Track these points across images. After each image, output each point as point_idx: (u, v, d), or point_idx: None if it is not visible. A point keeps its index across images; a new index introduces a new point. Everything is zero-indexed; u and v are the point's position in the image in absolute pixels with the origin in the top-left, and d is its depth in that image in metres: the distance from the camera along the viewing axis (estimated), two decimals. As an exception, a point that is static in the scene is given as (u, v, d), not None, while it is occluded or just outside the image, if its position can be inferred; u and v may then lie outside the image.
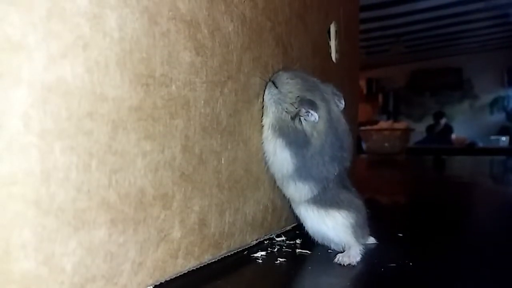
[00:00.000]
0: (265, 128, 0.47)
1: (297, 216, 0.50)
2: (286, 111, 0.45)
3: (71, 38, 0.25)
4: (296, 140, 0.44)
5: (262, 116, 0.48)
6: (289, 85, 0.46)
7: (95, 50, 0.27)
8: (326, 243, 0.48)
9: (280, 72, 0.48)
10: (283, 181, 0.46)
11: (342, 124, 0.47)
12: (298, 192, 0.46)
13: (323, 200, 0.46)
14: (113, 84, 0.28)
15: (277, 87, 0.46)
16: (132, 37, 0.30)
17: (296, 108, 0.44)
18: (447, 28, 4.00)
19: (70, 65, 0.25)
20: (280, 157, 0.45)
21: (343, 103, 0.48)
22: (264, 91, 0.47)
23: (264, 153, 0.47)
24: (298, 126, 0.44)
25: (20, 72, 0.23)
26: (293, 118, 0.44)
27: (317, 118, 0.43)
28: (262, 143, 0.47)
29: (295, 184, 0.45)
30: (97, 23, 0.27)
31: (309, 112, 0.43)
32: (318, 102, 0.44)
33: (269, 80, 0.48)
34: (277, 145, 0.45)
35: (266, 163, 0.47)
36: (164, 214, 0.34)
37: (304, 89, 0.45)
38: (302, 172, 0.44)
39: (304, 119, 0.44)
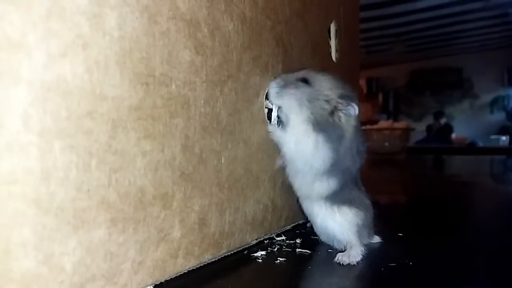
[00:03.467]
0: (299, 124, 0.45)
1: (306, 213, 0.51)
2: (321, 108, 0.45)
3: (71, 37, 0.25)
4: (334, 134, 0.45)
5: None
6: (326, 84, 0.47)
7: (94, 49, 0.27)
8: (329, 242, 0.49)
9: (307, 71, 0.48)
10: (315, 177, 0.46)
11: (359, 123, 0.49)
12: (326, 186, 0.46)
13: (338, 197, 0.47)
14: (113, 83, 0.28)
15: (309, 85, 0.46)
16: (132, 36, 0.30)
17: (333, 105, 0.45)
18: (447, 27, 3.99)
19: (69, 64, 0.25)
20: (321, 152, 0.45)
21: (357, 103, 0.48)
22: (283, 90, 0.47)
23: (292, 150, 0.46)
24: (336, 120, 0.45)
25: (19, 71, 0.23)
26: (330, 114, 0.45)
27: (356, 110, 0.45)
28: (293, 139, 0.46)
29: (327, 179, 0.46)
30: (96, 22, 0.27)
31: (349, 105, 0.45)
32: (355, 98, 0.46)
33: (295, 79, 0.48)
34: (319, 140, 0.45)
35: (299, 158, 0.46)
36: (164, 214, 0.34)
37: (339, 87, 0.47)
38: (335, 166, 0.45)
39: (343, 112, 0.45)
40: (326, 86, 0.46)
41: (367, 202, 0.49)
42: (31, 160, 0.24)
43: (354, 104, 0.45)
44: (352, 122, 0.46)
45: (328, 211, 0.47)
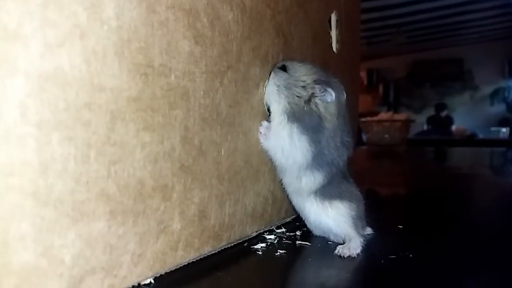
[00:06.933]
0: (276, 115, 0.45)
1: (298, 211, 0.50)
2: (298, 96, 0.45)
3: (68, 27, 0.25)
4: (311, 124, 0.44)
5: (266, 104, 0.47)
6: (303, 69, 0.46)
7: (92, 39, 0.26)
8: (325, 235, 0.48)
9: (288, 60, 0.48)
10: (299, 172, 0.45)
11: (346, 112, 0.48)
12: (313, 181, 0.45)
13: (328, 191, 0.46)
14: (111, 74, 0.28)
15: (286, 72, 0.46)
16: (130, 26, 0.29)
17: (310, 91, 0.45)
18: (448, 18, 3.98)
19: (67, 54, 0.25)
20: (298, 144, 0.44)
21: (345, 96, 0.48)
22: (269, 78, 0.47)
23: (273, 144, 0.46)
24: (313, 108, 0.44)
25: (16, 61, 0.23)
26: (307, 102, 0.44)
27: (333, 96, 0.44)
28: (268, 131, 0.46)
29: (312, 173, 0.45)
30: (94, 12, 0.26)
31: (325, 90, 0.44)
32: (332, 84, 0.45)
33: (275, 67, 0.48)
34: (294, 131, 0.44)
35: (280, 153, 0.45)
36: (164, 206, 0.33)
37: (317, 73, 0.46)
38: (318, 159, 0.44)
39: (319, 99, 0.44)
40: (302, 72, 0.46)
41: (358, 193, 0.48)
42: (28, 152, 0.23)
43: (330, 90, 0.44)
44: (332, 110, 0.45)
45: (320, 206, 0.46)
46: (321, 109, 0.44)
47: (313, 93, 0.44)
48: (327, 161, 0.45)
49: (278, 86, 0.46)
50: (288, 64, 0.47)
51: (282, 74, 0.46)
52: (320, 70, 0.47)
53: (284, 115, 0.45)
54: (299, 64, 0.47)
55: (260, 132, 0.47)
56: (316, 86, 0.44)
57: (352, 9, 0.80)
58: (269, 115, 0.48)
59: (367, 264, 0.42)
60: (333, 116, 0.45)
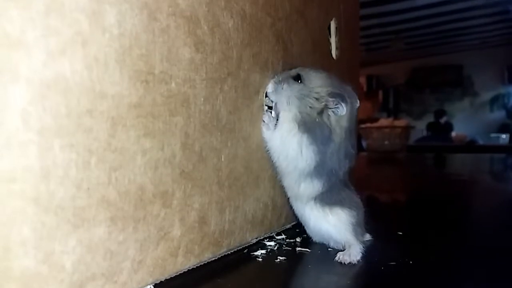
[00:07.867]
0: (285, 122, 0.45)
1: (298, 216, 0.50)
2: (310, 106, 0.45)
3: (70, 34, 0.25)
4: (321, 136, 0.44)
5: (271, 111, 0.48)
6: (318, 80, 0.46)
7: (94, 46, 0.27)
8: (324, 242, 0.48)
9: (302, 68, 0.48)
10: (299, 177, 0.46)
11: (355, 123, 0.48)
12: (311, 188, 0.46)
13: (328, 198, 0.46)
14: (113, 81, 0.28)
15: (301, 82, 0.46)
16: (132, 33, 0.29)
17: (323, 103, 0.44)
18: (447, 24, 3.99)
19: (69, 61, 0.25)
20: (305, 153, 0.44)
21: (358, 102, 0.48)
22: (279, 86, 0.47)
23: (277, 148, 0.46)
24: (325, 120, 0.44)
25: (18, 68, 0.23)
26: (319, 113, 0.44)
27: (345, 110, 0.44)
28: (279, 137, 0.46)
29: (311, 180, 0.45)
30: (96, 19, 0.27)
31: (339, 104, 0.44)
32: (346, 97, 0.45)
33: (288, 76, 0.47)
34: (303, 141, 0.44)
35: (283, 158, 0.46)
36: (164, 212, 0.34)
37: (332, 84, 0.46)
38: (320, 168, 0.45)
39: (332, 111, 0.44)
40: (317, 83, 0.46)
41: (358, 200, 0.48)
42: (30, 158, 0.24)
43: (343, 103, 0.44)
44: (343, 123, 0.45)
45: (320, 213, 0.46)
46: (333, 121, 0.45)
47: (326, 105, 0.44)
48: (328, 170, 0.45)
49: (289, 97, 0.46)
50: (303, 73, 0.47)
51: (296, 85, 0.46)
52: (335, 80, 0.47)
53: (294, 123, 0.45)
54: (314, 74, 0.47)
55: (264, 121, 0.47)
56: (331, 99, 0.44)
57: (351, 16, 0.81)
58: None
59: (367, 270, 0.42)
60: (342, 130, 0.45)
